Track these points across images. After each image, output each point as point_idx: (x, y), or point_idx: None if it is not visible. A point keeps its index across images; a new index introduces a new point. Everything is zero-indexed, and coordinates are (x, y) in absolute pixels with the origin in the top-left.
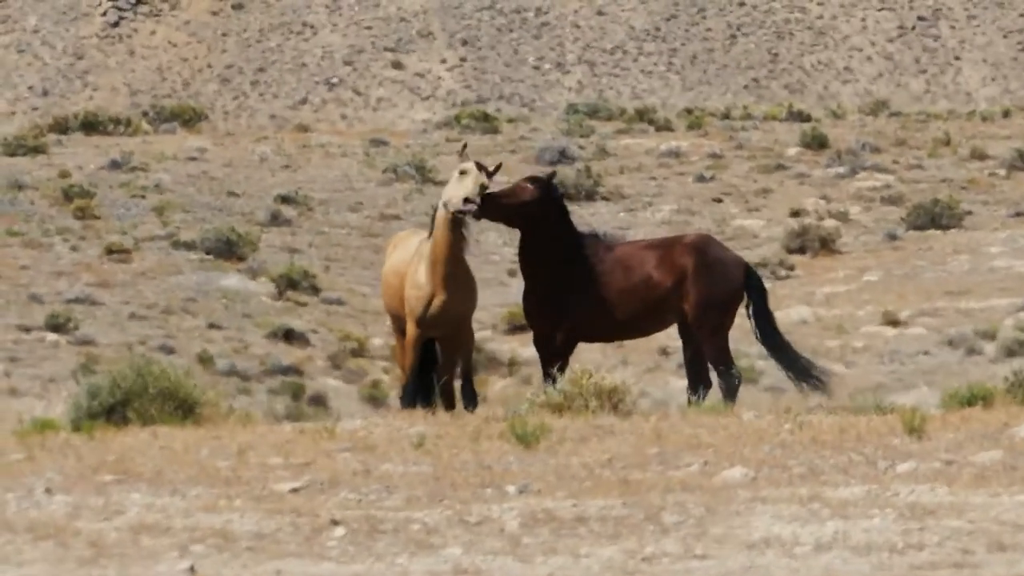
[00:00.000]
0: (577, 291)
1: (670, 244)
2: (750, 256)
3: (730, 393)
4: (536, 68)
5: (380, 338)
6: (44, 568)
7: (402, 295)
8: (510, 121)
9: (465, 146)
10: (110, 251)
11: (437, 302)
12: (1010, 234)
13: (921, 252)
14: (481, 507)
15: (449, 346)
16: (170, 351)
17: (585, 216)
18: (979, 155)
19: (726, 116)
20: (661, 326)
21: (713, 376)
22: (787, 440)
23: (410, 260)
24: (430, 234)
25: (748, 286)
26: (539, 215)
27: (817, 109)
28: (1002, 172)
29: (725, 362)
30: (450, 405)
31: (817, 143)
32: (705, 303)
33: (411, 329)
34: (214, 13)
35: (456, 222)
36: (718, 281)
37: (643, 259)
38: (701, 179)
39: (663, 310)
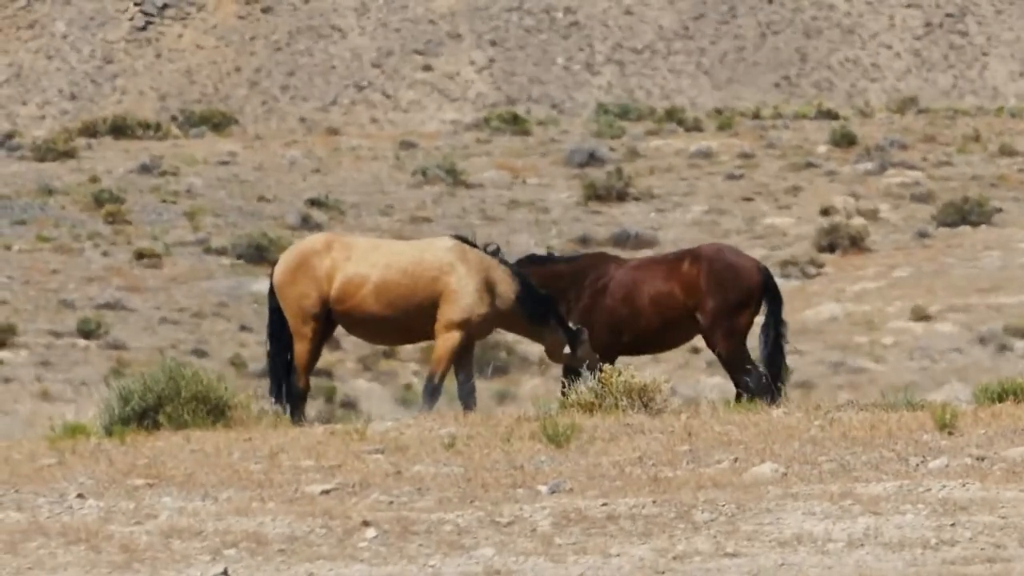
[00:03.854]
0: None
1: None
2: (780, 255)
3: (760, 392)
4: (565, 68)
5: None
6: (77, 572)
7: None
8: (540, 123)
9: None
10: (141, 256)
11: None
12: None
13: (951, 249)
14: (512, 507)
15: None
16: (202, 355)
17: (616, 216)
18: (1008, 151)
19: (756, 116)
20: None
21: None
22: (817, 436)
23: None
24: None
25: (766, 292)
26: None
27: (846, 107)
28: None
29: (740, 367)
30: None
31: (846, 141)
32: (716, 309)
33: (459, 337)
34: (242, 17)
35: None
36: (728, 286)
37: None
38: (731, 178)
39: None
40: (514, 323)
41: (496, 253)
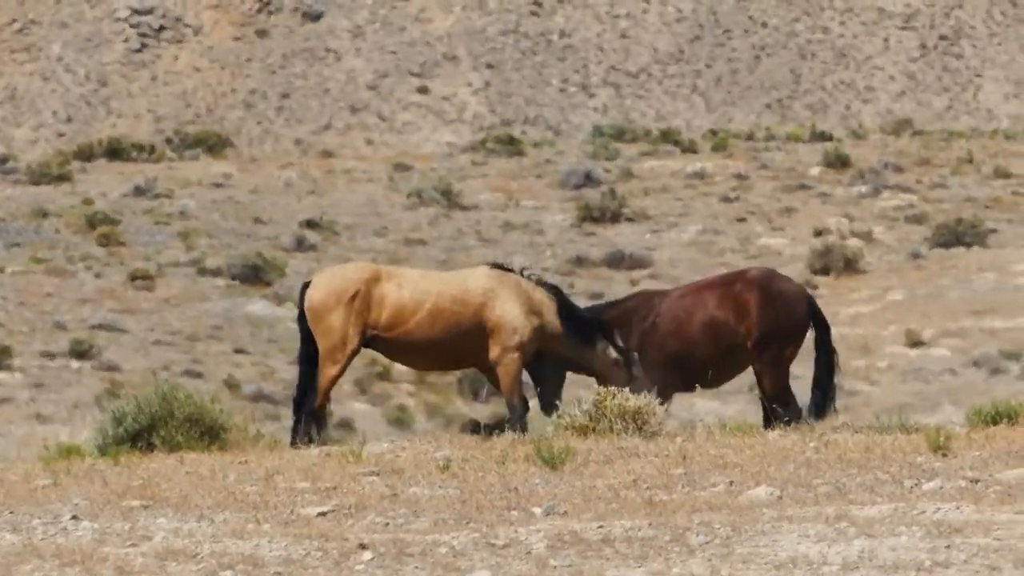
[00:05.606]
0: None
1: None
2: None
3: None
4: (561, 91)
5: None
6: None
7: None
8: (535, 145)
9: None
10: (134, 278)
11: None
12: None
13: (945, 271)
14: (508, 530)
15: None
16: (196, 376)
17: (611, 238)
18: (1002, 173)
19: (750, 137)
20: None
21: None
22: (812, 459)
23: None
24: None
25: (812, 320)
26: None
27: (839, 129)
28: None
29: (783, 400)
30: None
31: (840, 163)
32: (766, 336)
33: (519, 359)
34: (237, 39)
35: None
36: (781, 314)
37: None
38: (726, 199)
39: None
40: (563, 346)
41: (533, 278)
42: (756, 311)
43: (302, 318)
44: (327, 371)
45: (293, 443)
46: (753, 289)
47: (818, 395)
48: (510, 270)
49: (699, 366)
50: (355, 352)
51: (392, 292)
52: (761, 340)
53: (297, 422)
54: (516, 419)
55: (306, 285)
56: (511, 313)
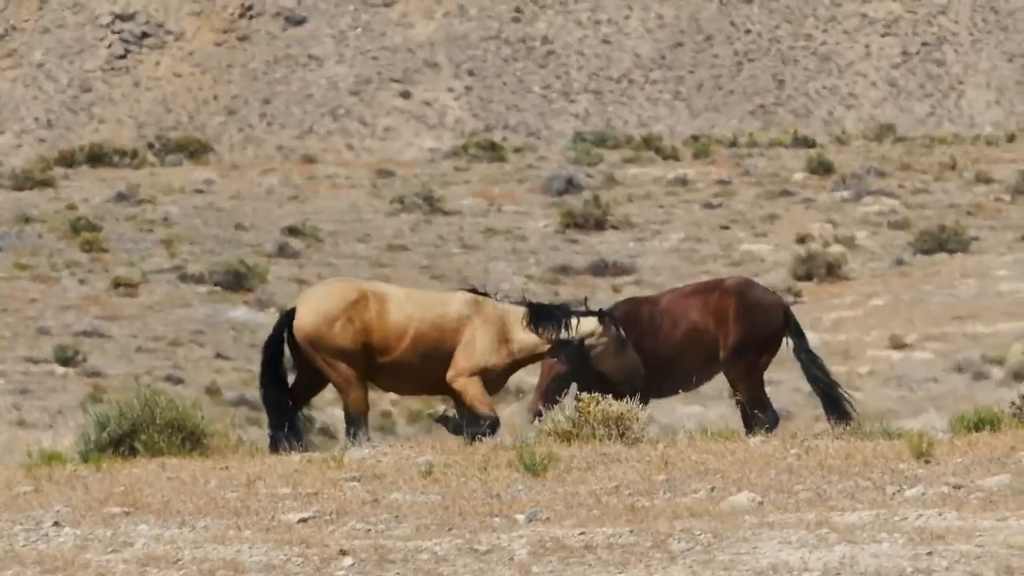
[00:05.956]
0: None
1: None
2: (758, 282)
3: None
4: (543, 97)
5: None
6: None
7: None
8: (517, 150)
9: (586, 299)
10: (118, 284)
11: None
12: (1016, 258)
13: (928, 277)
14: (490, 536)
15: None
16: (178, 382)
17: (594, 245)
18: (984, 179)
19: (732, 143)
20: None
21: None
22: (794, 465)
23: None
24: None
25: (788, 330)
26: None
27: (822, 135)
28: (1007, 197)
29: (760, 407)
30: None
31: (823, 169)
32: (743, 345)
33: (476, 381)
34: (219, 45)
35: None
36: (757, 323)
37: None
38: (708, 206)
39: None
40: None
41: (506, 301)
42: (733, 320)
43: (271, 347)
44: (351, 395)
45: (273, 449)
46: (730, 298)
47: (829, 400)
48: (485, 294)
49: (685, 373)
50: (363, 370)
51: (379, 317)
52: (737, 349)
53: (274, 435)
54: (480, 428)
55: (288, 313)
56: (480, 342)
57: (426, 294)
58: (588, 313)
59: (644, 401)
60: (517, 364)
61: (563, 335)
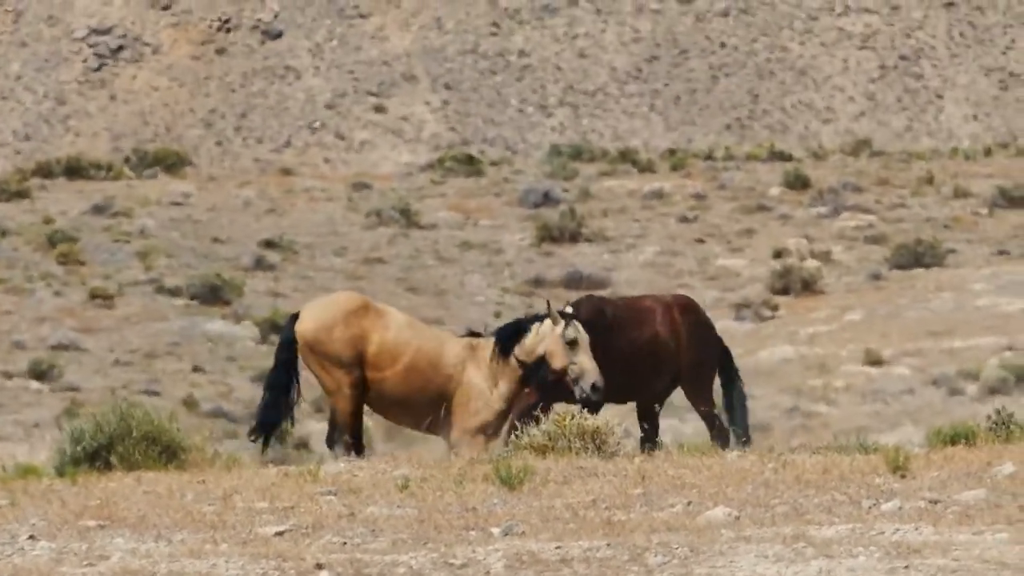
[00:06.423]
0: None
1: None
2: (733, 296)
3: (723, 438)
4: (519, 111)
5: None
6: None
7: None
8: (493, 164)
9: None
10: (94, 296)
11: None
12: (994, 272)
13: (904, 291)
14: (466, 549)
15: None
16: (154, 395)
17: (569, 258)
18: (962, 193)
19: (709, 157)
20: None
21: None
22: (770, 479)
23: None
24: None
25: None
26: None
27: (799, 149)
28: (985, 211)
29: (712, 421)
30: None
31: (799, 183)
32: (697, 360)
33: (481, 443)
34: (196, 58)
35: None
36: (707, 340)
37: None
38: (684, 220)
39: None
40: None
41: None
42: (687, 336)
43: (285, 348)
44: (339, 406)
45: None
46: (686, 315)
47: (730, 423)
48: (479, 335)
49: (639, 379)
50: (358, 381)
51: (379, 330)
52: (694, 364)
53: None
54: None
55: (294, 317)
56: (476, 390)
57: (429, 328)
58: (547, 316)
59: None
60: (512, 401)
61: (531, 349)
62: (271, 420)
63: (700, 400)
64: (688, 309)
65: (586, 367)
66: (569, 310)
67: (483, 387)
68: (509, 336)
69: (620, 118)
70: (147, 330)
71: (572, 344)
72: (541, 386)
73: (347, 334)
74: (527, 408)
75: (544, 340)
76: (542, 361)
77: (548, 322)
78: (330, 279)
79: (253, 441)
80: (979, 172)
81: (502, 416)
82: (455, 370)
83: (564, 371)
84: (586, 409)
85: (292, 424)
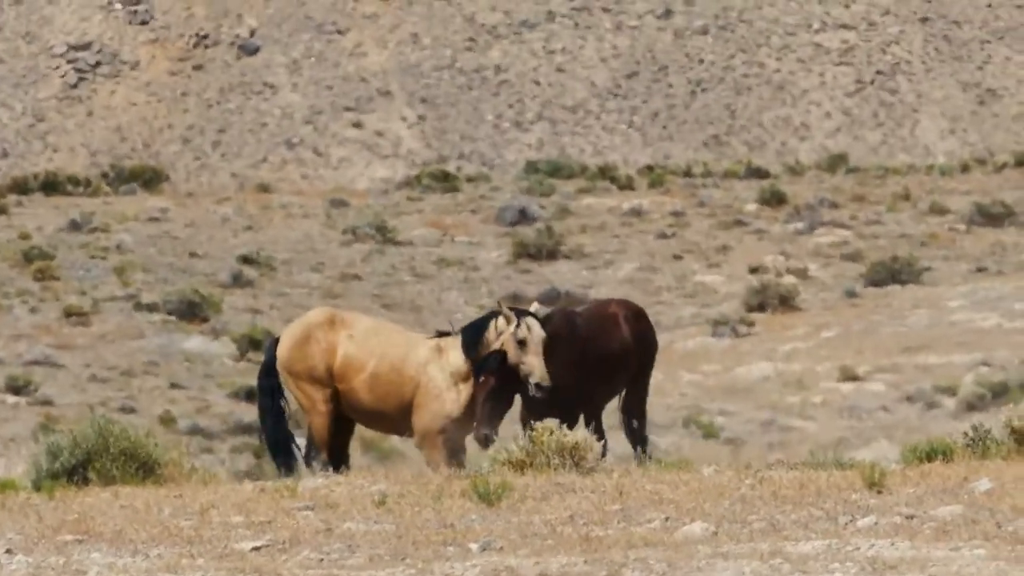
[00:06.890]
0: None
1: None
2: (711, 313)
3: (643, 444)
4: (495, 126)
5: None
6: None
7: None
8: (470, 180)
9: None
10: (70, 313)
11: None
12: (970, 288)
13: (880, 308)
14: (443, 565)
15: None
16: (131, 412)
17: (547, 275)
18: (939, 210)
19: (687, 173)
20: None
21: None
22: (748, 495)
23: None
24: (476, 373)
25: None
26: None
27: (776, 165)
28: (962, 227)
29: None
30: None
31: (776, 199)
32: (647, 365)
33: (439, 443)
34: (173, 74)
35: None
36: (652, 346)
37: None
38: (662, 236)
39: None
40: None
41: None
42: (640, 339)
43: (266, 374)
44: (313, 422)
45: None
46: (641, 319)
47: (637, 435)
48: (447, 334)
49: (613, 386)
50: (332, 398)
51: (343, 341)
52: (644, 368)
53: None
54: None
55: (275, 341)
56: (437, 391)
57: (397, 333)
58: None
59: (573, 422)
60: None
61: (489, 345)
62: (279, 438)
63: (641, 402)
64: (641, 314)
65: (533, 366)
66: (535, 307)
67: (443, 387)
68: (474, 333)
69: (599, 134)
70: (124, 347)
71: (522, 344)
72: (504, 378)
73: (317, 349)
74: (490, 392)
75: (501, 336)
76: (494, 353)
77: (502, 320)
78: (307, 295)
79: (285, 474)
80: (956, 188)
81: (465, 417)
82: (417, 372)
83: (517, 367)
84: (564, 424)
85: (291, 449)
